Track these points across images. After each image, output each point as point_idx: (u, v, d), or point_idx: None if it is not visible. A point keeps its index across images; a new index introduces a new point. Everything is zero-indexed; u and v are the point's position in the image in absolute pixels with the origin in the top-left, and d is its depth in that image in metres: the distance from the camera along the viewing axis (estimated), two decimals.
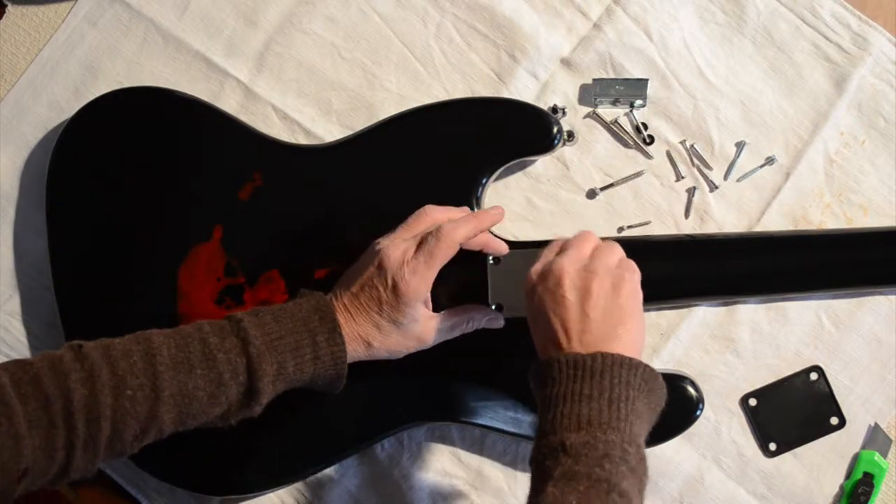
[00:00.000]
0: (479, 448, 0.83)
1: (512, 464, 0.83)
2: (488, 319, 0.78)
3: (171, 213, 0.83)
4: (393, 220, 0.77)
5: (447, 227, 0.73)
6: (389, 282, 0.72)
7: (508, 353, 0.79)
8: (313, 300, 0.72)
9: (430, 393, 0.80)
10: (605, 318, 0.66)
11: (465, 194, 0.80)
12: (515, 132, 0.81)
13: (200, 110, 0.84)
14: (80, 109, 0.83)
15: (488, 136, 0.81)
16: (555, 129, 0.81)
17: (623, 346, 0.65)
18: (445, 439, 0.84)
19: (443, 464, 0.83)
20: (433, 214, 0.77)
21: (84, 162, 0.83)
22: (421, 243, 0.73)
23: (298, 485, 0.84)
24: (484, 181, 0.81)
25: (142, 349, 0.65)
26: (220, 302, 0.81)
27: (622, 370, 0.63)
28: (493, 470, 0.83)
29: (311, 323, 0.70)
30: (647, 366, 0.64)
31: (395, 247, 0.73)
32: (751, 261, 0.81)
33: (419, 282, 0.72)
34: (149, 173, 0.83)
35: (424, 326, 0.74)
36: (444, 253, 0.73)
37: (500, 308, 0.78)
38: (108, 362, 0.63)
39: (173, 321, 0.81)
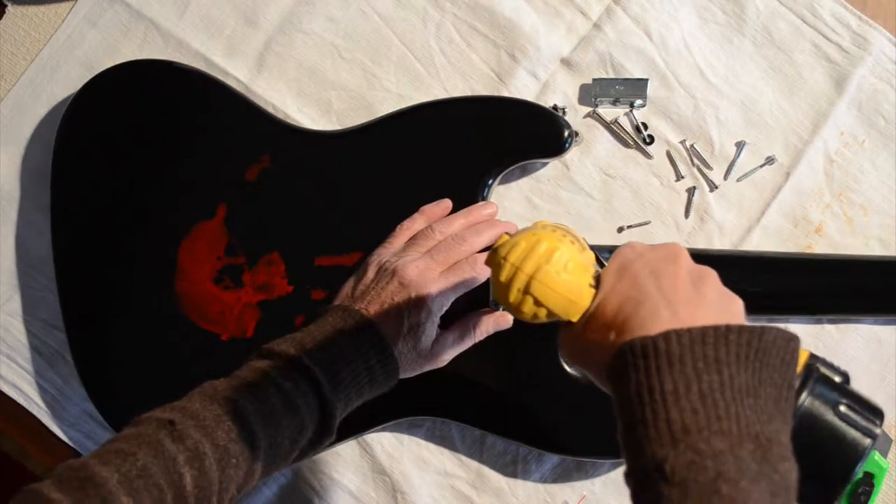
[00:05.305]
0: (479, 448, 0.83)
1: (512, 464, 0.83)
2: (496, 322, 0.77)
3: (177, 189, 0.83)
4: (399, 214, 0.78)
5: (468, 243, 0.74)
6: (413, 299, 0.71)
7: (514, 354, 0.79)
8: (350, 321, 0.70)
9: (431, 390, 0.80)
10: (720, 302, 0.55)
11: (471, 193, 0.80)
12: (526, 134, 0.81)
13: (212, 87, 0.84)
14: (88, 82, 0.84)
15: (499, 135, 0.81)
16: (566, 133, 0.80)
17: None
18: (445, 439, 0.84)
19: (443, 464, 0.83)
20: (429, 214, 0.78)
21: (91, 135, 0.84)
22: (435, 256, 0.74)
23: (299, 483, 0.84)
24: (490, 182, 0.80)
25: (229, 411, 0.63)
26: (219, 281, 0.81)
27: (705, 347, 0.49)
28: (492, 470, 0.83)
29: (363, 351, 0.70)
30: (741, 326, 0.50)
31: (414, 264, 0.73)
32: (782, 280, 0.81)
33: (442, 298, 0.72)
34: (156, 148, 0.83)
35: (438, 344, 0.74)
36: (467, 271, 0.74)
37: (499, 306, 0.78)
38: (206, 435, 0.61)
39: (171, 297, 0.82)
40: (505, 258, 0.58)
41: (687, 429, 0.47)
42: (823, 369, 0.55)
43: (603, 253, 0.79)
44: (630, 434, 0.49)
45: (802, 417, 0.53)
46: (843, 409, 0.54)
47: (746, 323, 0.52)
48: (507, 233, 0.60)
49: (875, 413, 0.55)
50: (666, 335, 0.50)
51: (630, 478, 0.49)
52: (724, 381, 0.48)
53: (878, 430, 0.55)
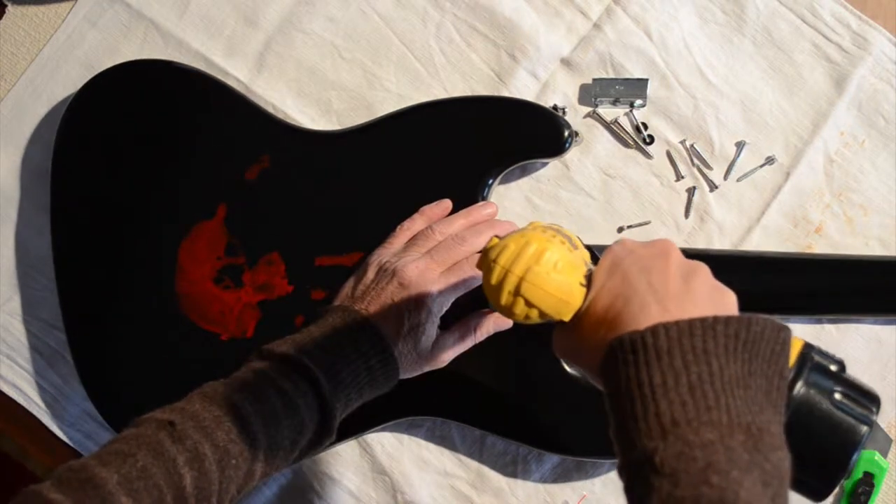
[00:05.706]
0: (479, 448, 0.83)
1: (512, 464, 0.83)
2: (496, 323, 0.77)
3: (177, 188, 0.83)
4: (399, 214, 0.78)
5: (468, 244, 0.74)
6: (413, 299, 0.71)
7: (514, 354, 0.79)
8: (350, 321, 0.70)
9: (431, 390, 0.80)
10: (711, 298, 0.54)
11: (471, 193, 0.80)
12: (526, 134, 0.81)
13: (212, 87, 0.84)
14: (88, 82, 0.84)
15: (499, 135, 0.81)
16: (566, 133, 0.80)
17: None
18: (445, 439, 0.84)
19: (443, 464, 0.83)
20: (429, 214, 0.78)
21: (91, 135, 0.84)
22: (435, 256, 0.74)
23: (299, 483, 0.84)
24: (490, 182, 0.80)
25: (228, 412, 0.63)
26: (219, 281, 0.81)
27: (693, 339, 0.49)
28: (492, 470, 0.83)
29: (363, 351, 0.69)
30: (727, 317, 0.50)
31: (414, 265, 0.73)
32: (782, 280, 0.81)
33: (442, 299, 0.73)
34: (156, 148, 0.83)
35: (439, 345, 0.74)
36: (467, 271, 0.74)
37: None
38: (206, 436, 0.61)
39: (171, 297, 0.82)
40: (494, 261, 0.58)
41: (676, 421, 0.47)
42: (818, 358, 0.55)
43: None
44: (622, 429, 0.50)
45: (798, 406, 0.54)
46: (838, 396, 0.54)
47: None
48: (496, 235, 0.60)
49: (871, 399, 0.55)
50: (654, 329, 0.50)
51: (623, 472, 0.49)
52: (714, 372, 0.48)
53: (874, 417, 0.55)
